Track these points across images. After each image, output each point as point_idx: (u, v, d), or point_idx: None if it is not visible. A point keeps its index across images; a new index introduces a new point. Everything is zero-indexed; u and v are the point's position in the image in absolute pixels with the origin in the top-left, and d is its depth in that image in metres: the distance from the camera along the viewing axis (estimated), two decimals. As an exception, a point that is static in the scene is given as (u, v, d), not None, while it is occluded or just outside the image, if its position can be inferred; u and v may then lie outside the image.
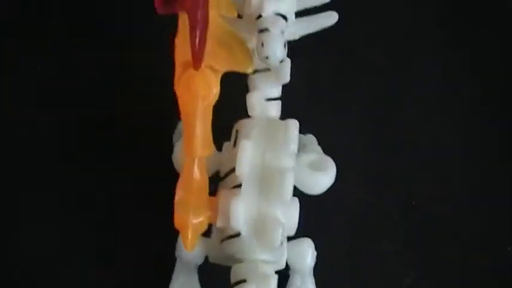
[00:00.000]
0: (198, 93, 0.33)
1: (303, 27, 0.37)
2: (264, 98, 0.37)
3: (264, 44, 0.34)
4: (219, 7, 0.35)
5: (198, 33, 0.30)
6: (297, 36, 0.37)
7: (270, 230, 0.34)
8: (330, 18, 0.37)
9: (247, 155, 0.34)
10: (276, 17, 0.34)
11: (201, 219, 0.35)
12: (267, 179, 0.35)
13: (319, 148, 0.41)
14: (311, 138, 0.43)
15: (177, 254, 0.39)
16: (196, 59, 0.31)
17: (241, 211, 0.34)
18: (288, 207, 0.35)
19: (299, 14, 0.37)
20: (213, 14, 0.34)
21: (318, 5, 0.37)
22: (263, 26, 0.34)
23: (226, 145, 0.38)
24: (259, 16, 0.34)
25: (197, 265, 0.39)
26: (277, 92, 0.37)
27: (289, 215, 0.35)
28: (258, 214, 0.34)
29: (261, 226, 0.34)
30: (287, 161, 0.35)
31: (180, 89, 0.33)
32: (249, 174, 0.35)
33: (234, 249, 0.35)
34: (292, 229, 0.36)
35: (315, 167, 0.38)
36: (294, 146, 0.36)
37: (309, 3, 0.37)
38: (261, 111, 0.37)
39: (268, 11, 0.34)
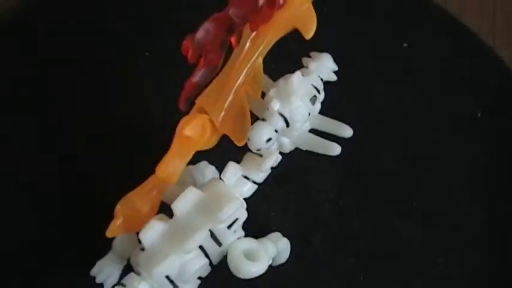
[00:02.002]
0: (185, 133, 0.40)
1: (310, 144, 0.41)
2: (242, 174, 0.42)
3: (253, 128, 0.39)
4: (252, 82, 0.41)
5: (198, 76, 0.36)
6: (303, 149, 0.42)
7: (156, 263, 0.38)
8: (334, 149, 0.41)
9: (188, 198, 0.40)
10: (277, 115, 0.39)
11: (131, 220, 0.41)
12: (187, 229, 0.39)
13: (272, 249, 0.44)
14: (281, 242, 0.46)
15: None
16: (182, 98, 0.37)
17: (151, 232, 0.39)
18: (184, 258, 0.39)
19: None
20: (243, 87, 0.40)
21: (332, 134, 0.42)
22: (264, 115, 0.40)
23: None
24: (268, 108, 0.40)
25: (123, 259, 0.44)
26: (257, 177, 0.42)
27: (184, 265, 0.39)
28: (162, 244, 0.39)
29: (153, 254, 0.39)
30: (208, 225, 0.39)
31: (181, 121, 0.40)
32: (180, 215, 0.40)
33: (137, 259, 0.40)
34: (185, 276, 0.39)
35: (248, 255, 0.41)
36: (223, 220, 0.39)
37: (324, 128, 0.41)
38: (231, 181, 0.41)
39: (273, 107, 0.39)
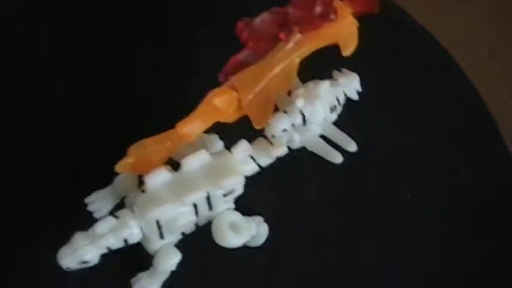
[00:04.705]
0: (214, 102, 0.44)
1: (317, 147, 0.46)
2: (249, 154, 0.46)
3: (274, 116, 0.43)
4: (285, 78, 0.45)
5: (243, 56, 0.40)
6: (309, 149, 0.46)
7: (153, 207, 0.43)
8: (336, 157, 0.45)
9: (199, 158, 0.44)
10: (298, 112, 0.44)
11: (140, 162, 0.45)
12: (189, 185, 0.43)
13: (254, 229, 0.48)
14: (262, 226, 0.50)
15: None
16: (224, 72, 0.41)
17: (157, 177, 0.43)
18: (178, 209, 0.43)
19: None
20: (276, 79, 0.44)
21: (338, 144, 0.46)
22: (286, 109, 0.44)
23: None
24: (292, 103, 0.44)
25: (118, 197, 0.47)
26: (262, 161, 0.46)
27: (176, 216, 0.43)
28: (163, 192, 0.43)
29: (152, 198, 0.43)
30: (208, 187, 0.43)
31: (213, 91, 0.44)
32: (187, 171, 0.44)
33: (134, 199, 0.44)
34: (172, 226, 0.44)
35: (233, 227, 0.45)
36: (222, 187, 0.44)
37: (333, 137, 0.46)
38: (239, 156, 0.45)
39: (297, 103, 0.44)
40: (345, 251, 0.53)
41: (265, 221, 0.50)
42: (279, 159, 0.48)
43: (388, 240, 0.54)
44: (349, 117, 0.53)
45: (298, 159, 0.51)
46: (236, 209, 0.47)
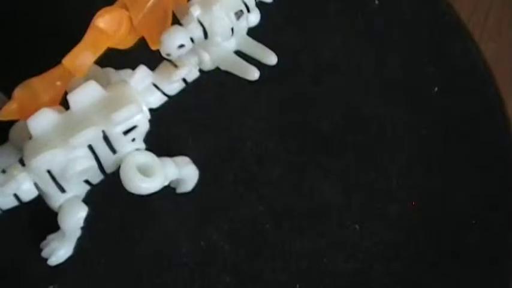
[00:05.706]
0: (98, 25, 0.37)
1: (229, 64, 0.39)
2: (152, 82, 0.39)
3: (167, 31, 0.37)
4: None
5: None
6: (223, 69, 0.40)
7: (38, 153, 0.37)
8: (251, 73, 0.38)
9: (86, 93, 0.37)
10: (195, 23, 0.37)
11: (28, 106, 0.38)
12: (80, 124, 0.37)
13: (173, 170, 0.41)
14: (188, 167, 0.43)
15: None
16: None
17: (41, 119, 0.37)
18: (70, 154, 0.37)
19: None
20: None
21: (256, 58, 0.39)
22: (183, 21, 0.37)
23: None
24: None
25: (20, 151, 0.40)
26: (168, 88, 0.39)
27: (69, 163, 0.37)
28: (50, 135, 0.37)
29: (39, 145, 0.37)
30: (101, 125, 0.37)
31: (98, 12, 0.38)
32: (76, 109, 0.37)
33: (25, 148, 0.38)
34: (68, 174, 0.37)
35: (143, 170, 0.39)
36: (117, 122, 0.37)
37: (248, 51, 0.39)
38: (138, 86, 0.39)
39: (193, 13, 0.37)
40: (294, 189, 0.46)
41: (198, 163, 0.44)
42: (205, 89, 0.42)
43: (344, 173, 0.47)
44: (292, 29, 0.49)
45: (229, 87, 0.45)
46: (151, 150, 0.40)
